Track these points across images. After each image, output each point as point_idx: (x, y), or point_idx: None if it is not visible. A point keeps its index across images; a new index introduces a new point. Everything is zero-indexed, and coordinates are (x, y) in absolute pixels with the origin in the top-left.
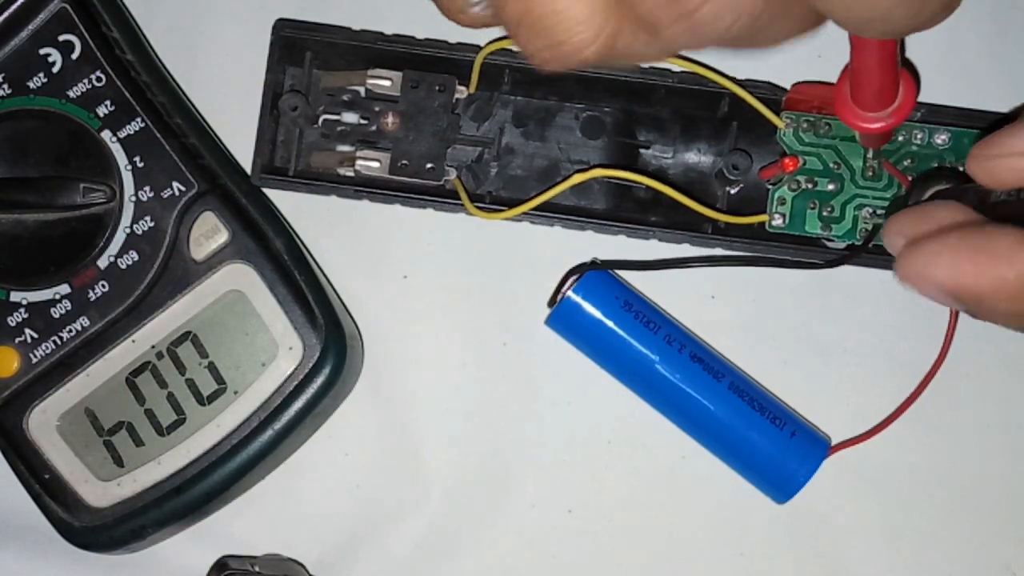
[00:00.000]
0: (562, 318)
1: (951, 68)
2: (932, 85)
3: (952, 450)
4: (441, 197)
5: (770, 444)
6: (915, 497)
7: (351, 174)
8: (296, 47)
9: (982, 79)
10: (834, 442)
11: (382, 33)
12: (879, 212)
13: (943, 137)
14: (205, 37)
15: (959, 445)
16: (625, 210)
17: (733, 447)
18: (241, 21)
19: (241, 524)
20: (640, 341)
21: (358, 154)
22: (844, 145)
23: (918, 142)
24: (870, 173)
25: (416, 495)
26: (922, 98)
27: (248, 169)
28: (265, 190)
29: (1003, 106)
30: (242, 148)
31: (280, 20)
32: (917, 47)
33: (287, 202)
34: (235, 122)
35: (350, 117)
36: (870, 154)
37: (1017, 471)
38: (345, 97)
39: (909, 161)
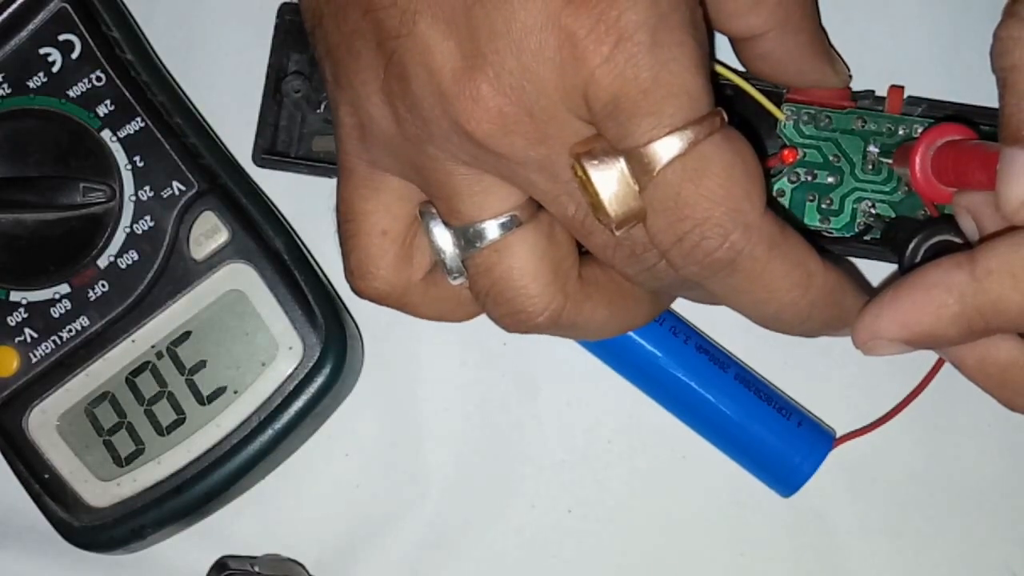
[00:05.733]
0: None
1: (952, 65)
2: (933, 81)
3: (952, 450)
4: None
5: (777, 435)
6: (915, 497)
7: None
8: (300, 32)
9: (982, 75)
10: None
11: None
12: (878, 205)
13: None
14: (206, 30)
15: (959, 445)
16: None
17: (739, 439)
18: (243, 12)
19: (241, 524)
20: (645, 334)
21: None
22: (844, 138)
23: (918, 136)
24: (870, 166)
25: (416, 495)
26: (923, 93)
27: (248, 166)
28: (266, 177)
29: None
30: (244, 140)
31: (284, 4)
32: (920, 43)
33: (287, 200)
34: (236, 114)
35: None
36: (870, 148)
37: (1017, 471)
38: None
39: None
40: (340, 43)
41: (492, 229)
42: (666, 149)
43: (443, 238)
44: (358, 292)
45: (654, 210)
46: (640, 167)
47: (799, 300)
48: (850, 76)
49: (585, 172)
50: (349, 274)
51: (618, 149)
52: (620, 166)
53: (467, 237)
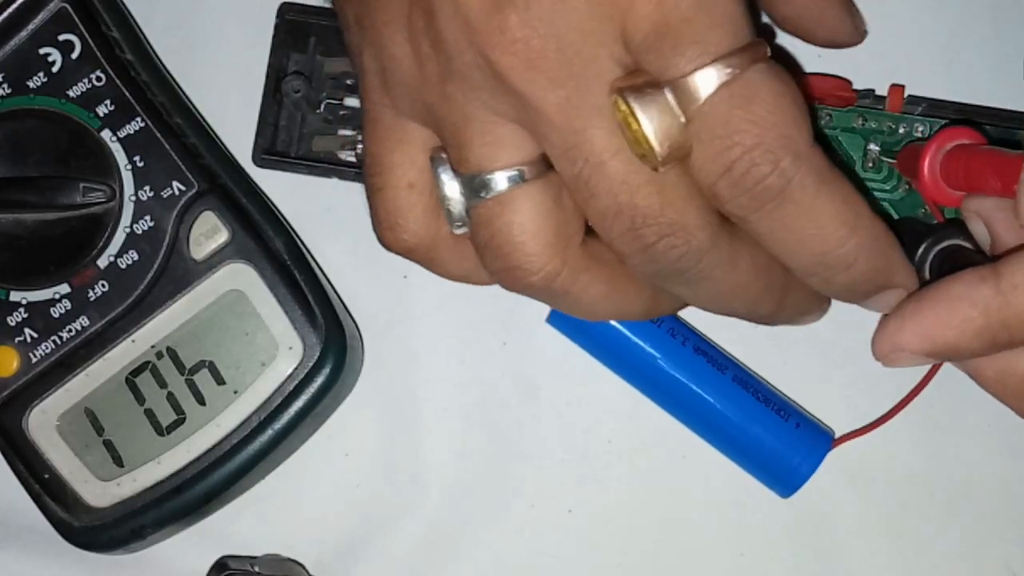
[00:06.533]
0: (564, 315)
1: (952, 65)
2: (934, 81)
3: (952, 450)
4: None
5: (775, 436)
6: (915, 497)
7: (352, 158)
8: (300, 32)
9: (982, 75)
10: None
11: None
12: (878, 203)
13: None
14: (206, 30)
15: (959, 445)
16: None
17: (738, 440)
18: (243, 12)
19: (241, 524)
20: (643, 335)
21: (359, 138)
22: (844, 136)
23: (919, 135)
24: (870, 164)
25: (416, 495)
26: (924, 93)
27: (248, 166)
28: (266, 177)
29: (1002, 102)
30: (244, 141)
31: (284, 3)
32: (920, 42)
33: (287, 200)
34: (236, 114)
35: (352, 101)
36: (870, 146)
37: (1017, 471)
38: (348, 82)
39: None
40: None
41: (498, 181)
42: (712, 77)
43: (450, 185)
44: (386, 245)
45: (701, 141)
46: (686, 97)
47: (847, 240)
48: (866, 32)
49: (629, 106)
50: (377, 226)
51: (662, 81)
52: (665, 98)
53: (473, 186)
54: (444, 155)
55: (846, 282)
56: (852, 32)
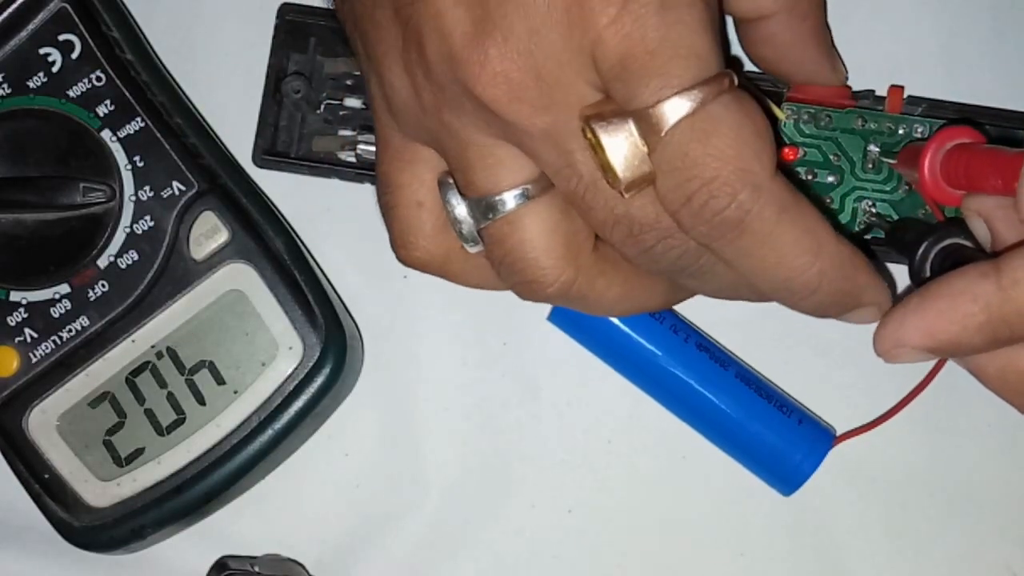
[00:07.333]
0: (565, 313)
1: (952, 64)
2: (933, 81)
3: (952, 450)
4: None
5: (777, 433)
6: (915, 497)
7: (352, 159)
8: (300, 32)
9: (982, 75)
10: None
11: None
12: (878, 204)
13: None
14: (206, 30)
15: (959, 445)
16: None
17: (739, 437)
18: (243, 12)
19: (241, 524)
20: (645, 332)
21: (360, 138)
22: (844, 137)
23: (919, 135)
24: (870, 166)
25: (416, 495)
26: (923, 93)
27: (248, 166)
28: (266, 177)
29: (1002, 102)
30: (244, 140)
31: (284, 4)
32: (920, 43)
33: (287, 200)
34: (236, 114)
35: (352, 102)
36: (870, 147)
37: (1017, 471)
38: (348, 82)
39: None
40: (364, 15)
41: (505, 202)
42: (674, 110)
43: (459, 208)
44: (402, 261)
45: (663, 171)
46: (649, 128)
47: (809, 268)
48: (847, 77)
49: (595, 134)
50: (392, 244)
51: (627, 111)
52: (629, 128)
53: (480, 209)
54: (451, 180)
55: (812, 306)
56: (831, 76)
